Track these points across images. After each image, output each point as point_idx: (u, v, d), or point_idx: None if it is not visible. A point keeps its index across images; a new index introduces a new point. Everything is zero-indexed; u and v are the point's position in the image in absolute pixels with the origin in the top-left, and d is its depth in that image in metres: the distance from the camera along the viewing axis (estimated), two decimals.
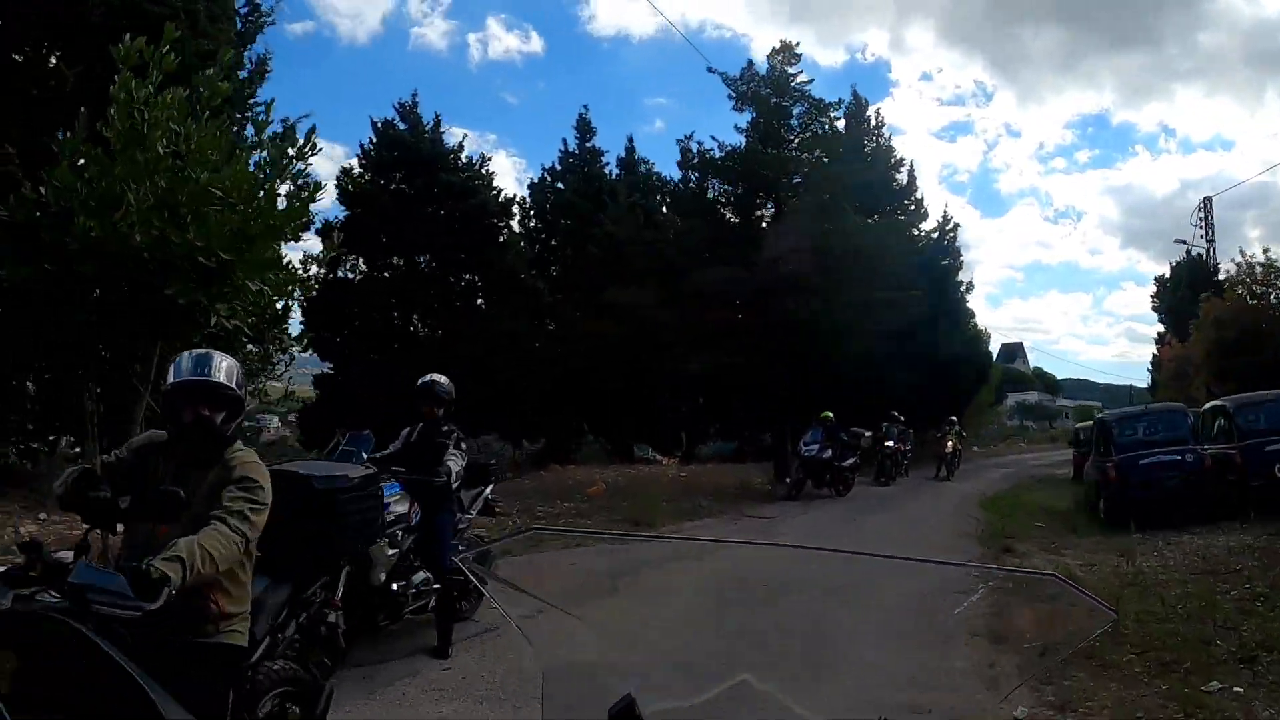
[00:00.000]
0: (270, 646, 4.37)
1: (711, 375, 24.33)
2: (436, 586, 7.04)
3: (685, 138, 27.04)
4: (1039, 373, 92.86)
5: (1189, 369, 33.94)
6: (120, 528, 3.81)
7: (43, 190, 8.22)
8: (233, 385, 3.67)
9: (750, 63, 27.66)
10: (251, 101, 14.47)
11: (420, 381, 7.40)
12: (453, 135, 32.18)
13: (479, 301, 31.80)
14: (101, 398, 10.03)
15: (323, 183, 9.85)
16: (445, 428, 7.32)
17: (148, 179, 8.02)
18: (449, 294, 31.18)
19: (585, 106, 37.78)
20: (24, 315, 8.87)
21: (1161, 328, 47.11)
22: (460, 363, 25.20)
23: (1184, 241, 47.16)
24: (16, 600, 2.83)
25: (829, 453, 19.84)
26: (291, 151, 8.97)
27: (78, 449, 10.99)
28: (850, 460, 20.92)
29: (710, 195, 26.99)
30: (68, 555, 3.13)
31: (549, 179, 35.52)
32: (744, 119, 26.12)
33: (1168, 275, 48.50)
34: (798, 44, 25.99)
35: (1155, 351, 47.42)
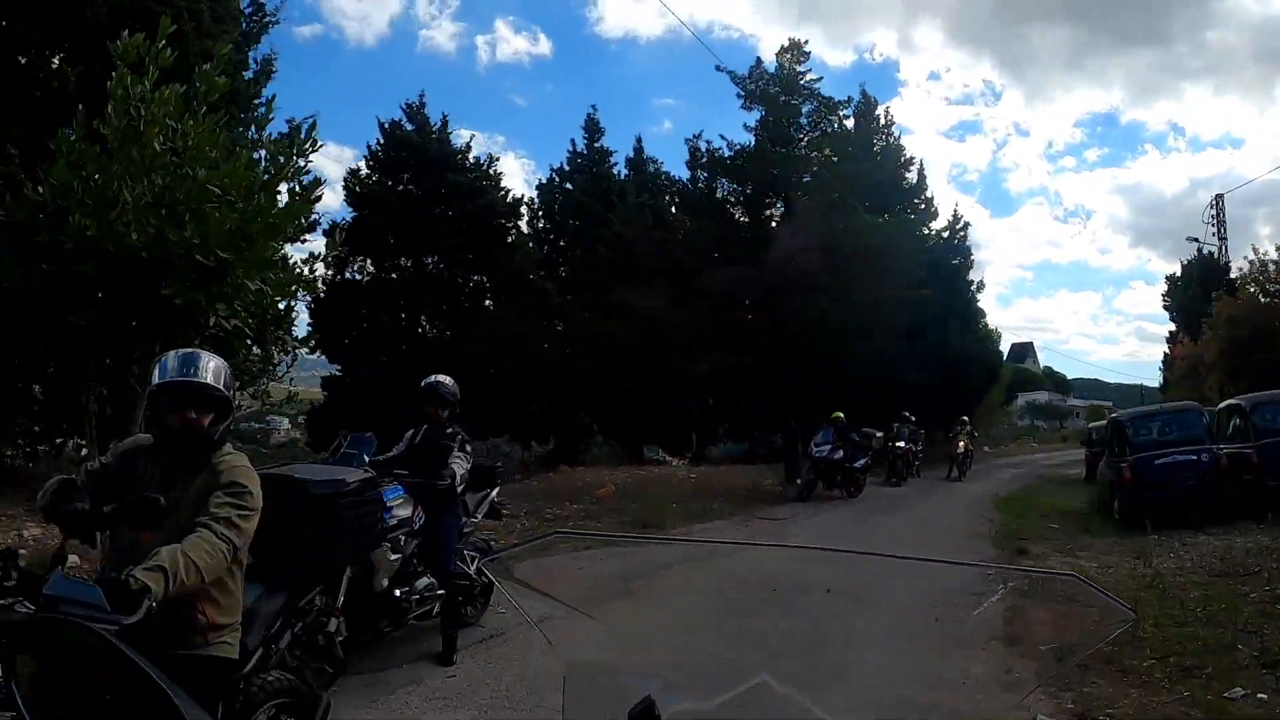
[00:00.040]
0: (264, 658, 4.26)
1: (721, 376, 24.18)
2: (441, 592, 6.89)
3: (694, 137, 27.06)
4: (1049, 372, 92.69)
5: (1201, 368, 33.71)
6: (101, 537, 3.70)
7: (40, 189, 8.14)
8: (220, 386, 3.54)
9: (759, 61, 27.52)
10: (256, 102, 14.42)
11: (424, 383, 7.29)
12: (460, 136, 32.03)
13: (487, 302, 31.76)
14: (104, 399, 9.95)
15: (323, 179, 9.77)
16: (450, 430, 7.18)
17: (145, 177, 7.94)
18: (457, 295, 31.13)
19: (593, 107, 37.64)
20: (23, 316, 8.78)
21: (1173, 326, 46.89)
22: (468, 364, 25.21)
23: (1196, 239, 47.01)
24: None
25: (840, 453, 19.69)
26: (293, 149, 8.90)
27: (84, 451, 10.91)
28: (861, 461, 20.76)
29: (719, 195, 26.90)
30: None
31: (557, 179, 35.46)
32: (752, 118, 26.02)
33: (1179, 274, 48.26)
34: (806, 42, 25.72)
35: (1167, 350, 47.17)
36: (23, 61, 12.73)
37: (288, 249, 9.78)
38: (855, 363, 24.08)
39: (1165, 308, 48.87)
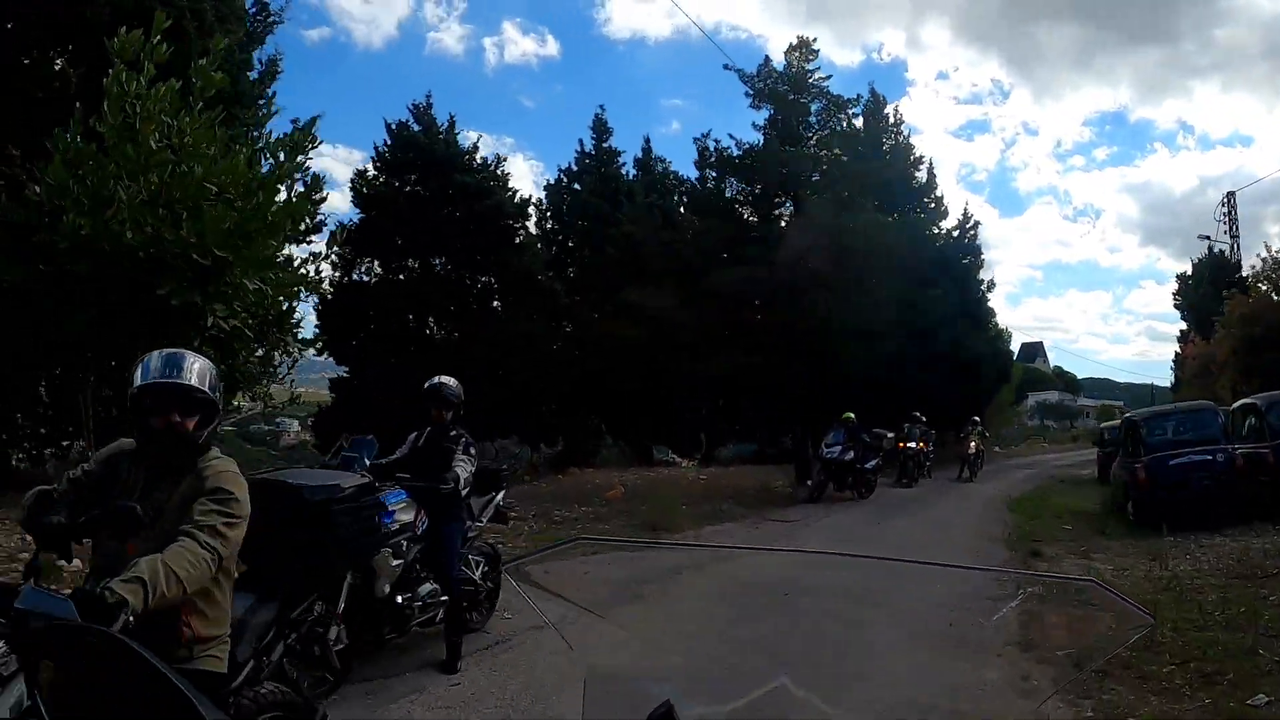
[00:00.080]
0: (255, 670, 4.13)
1: (730, 376, 24.07)
2: (444, 598, 6.75)
3: (702, 136, 26.99)
4: (1059, 372, 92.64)
5: (1213, 366, 33.52)
6: (81, 548, 3.58)
7: (37, 189, 8.08)
8: (206, 388, 3.40)
9: (767, 59, 27.42)
10: (260, 102, 14.37)
11: (428, 384, 7.16)
12: (467, 137, 32.07)
13: (495, 303, 31.69)
14: (107, 401, 9.86)
15: (322, 176, 9.69)
16: (454, 432, 7.04)
17: (141, 175, 7.85)
18: (465, 296, 31.06)
19: (601, 107, 37.71)
20: (23, 316, 8.72)
21: (1184, 325, 46.78)
22: (476, 365, 25.15)
23: (1207, 237, 46.83)
24: None
25: (851, 454, 19.54)
26: (292, 147, 8.81)
27: (91, 453, 10.80)
28: (873, 462, 20.63)
29: (728, 194, 26.81)
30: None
31: (565, 180, 35.44)
32: (761, 116, 26.05)
33: (1189, 272, 48.10)
34: (815, 40, 25.77)
35: (1178, 349, 47.00)
36: (27, 63, 12.69)
37: (292, 249, 9.72)
38: (865, 363, 23.90)
39: (1176, 306, 48.85)
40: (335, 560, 5.52)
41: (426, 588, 6.69)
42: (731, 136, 28.49)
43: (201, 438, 3.44)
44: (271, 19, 17.62)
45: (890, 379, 25.30)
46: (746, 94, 25.73)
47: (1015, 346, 55.30)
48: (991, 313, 36.73)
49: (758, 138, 25.97)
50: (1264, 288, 31.87)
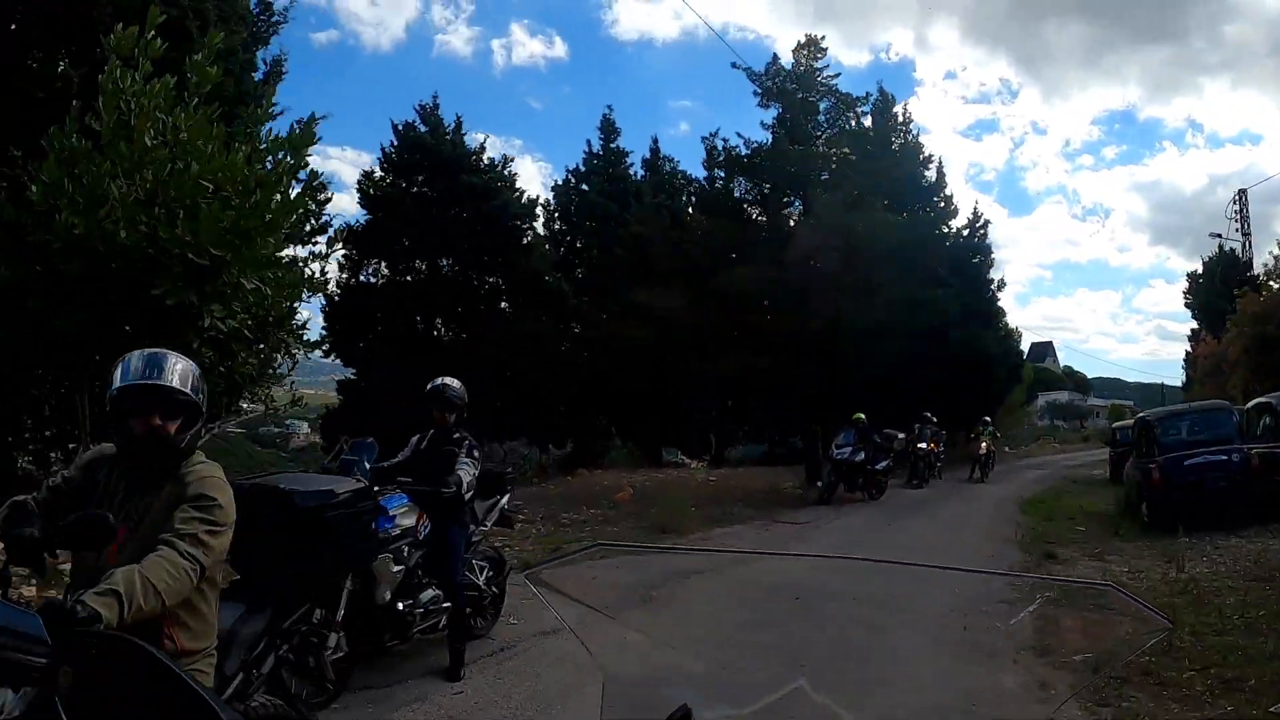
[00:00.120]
0: (244, 684, 4.01)
1: (739, 376, 23.96)
2: (447, 605, 6.63)
3: (710, 135, 26.88)
4: (1069, 371, 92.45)
5: (1225, 365, 33.34)
6: (53, 561, 3.45)
7: (33, 188, 7.99)
8: (188, 390, 3.24)
9: (775, 57, 27.39)
10: (261, 100, 14.29)
11: (430, 385, 7.02)
12: (474, 138, 32.06)
13: (503, 304, 31.65)
14: (103, 403, 9.76)
15: (320, 173, 9.60)
16: (457, 434, 6.90)
17: (136, 173, 7.76)
18: (472, 297, 31.00)
19: (609, 107, 37.41)
20: (21, 317, 8.63)
21: (1194, 324, 46.57)
22: (484, 366, 25.14)
23: (1219, 235, 46.53)
24: None
25: (862, 455, 19.44)
26: (290, 145, 8.73)
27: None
28: (883, 463, 20.53)
29: (736, 194, 26.73)
30: None
31: (573, 180, 35.39)
32: (769, 115, 25.94)
33: (1200, 271, 47.88)
34: (823, 38, 25.56)
35: (1189, 348, 46.82)
36: (33, 66, 12.63)
37: (296, 250, 9.63)
38: (875, 363, 23.79)
39: (1187, 305, 48.65)
40: (329, 567, 5.41)
41: (429, 594, 6.57)
42: (740, 135, 28.43)
43: (184, 441, 3.29)
44: (275, 19, 17.52)
45: (900, 379, 25.20)
46: (755, 93, 25.73)
47: (1025, 346, 55.12)
48: (1002, 312, 36.58)
49: (766, 137, 25.94)
50: (1276, 286, 31.68)
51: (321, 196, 10.28)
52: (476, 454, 6.83)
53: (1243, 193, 46.20)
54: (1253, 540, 11.83)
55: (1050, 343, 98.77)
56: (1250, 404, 16.94)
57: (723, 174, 27.01)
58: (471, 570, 7.22)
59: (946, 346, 26.36)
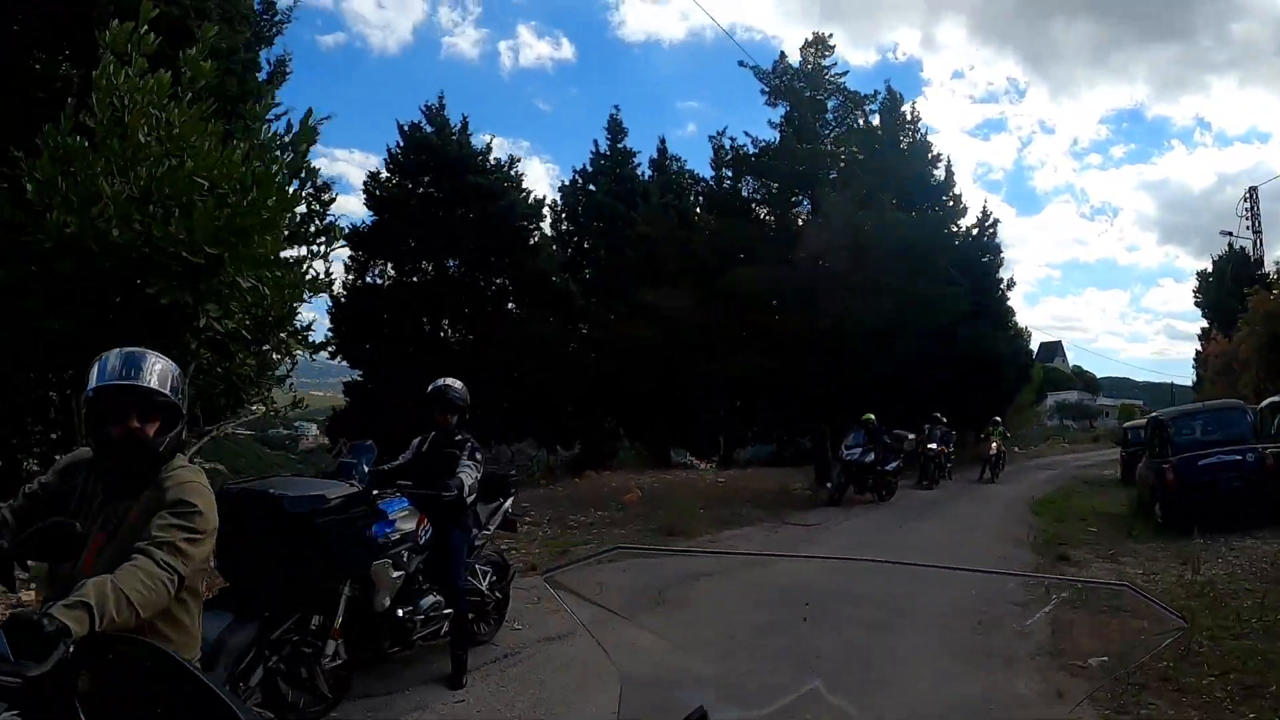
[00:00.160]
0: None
1: (748, 377, 23.90)
2: (448, 611, 6.51)
3: (718, 134, 26.89)
4: (1078, 371, 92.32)
5: (1236, 364, 33.13)
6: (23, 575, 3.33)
7: (29, 187, 7.90)
8: (167, 391, 3.10)
9: (782, 55, 27.33)
10: (260, 100, 14.25)
11: (431, 387, 6.90)
12: (481, 139, 31.99)
13: (510, 305, 31.56)
14: None
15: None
16: (459, 436, 6.77)
17: (130, 170, 7.66)
18: (479, 298, 30.95)
19: (616, 107, 37.42)
20: (18, 318, 8.55)
21: (1204, 323, 46.30)
22: (491, 367, 25.08)
23: (1229, 233, 46.26)
24: None
25: (871, 456, 19.33)
26: (288, 142, 8.64)
27: None
28: (893, 464, 20.42)
29: (744, 193, 26.64)
30: None
31: (580, 181, 35.34)
32: (777, 114, 25.89)
33: (1209, 269, 47.64)
34: (830, 36, 25.49)
35: (1198, 347, 46.56)
36: (34, 66, 12.58)
37: (300, 250, 9.52)
38: (884, 362, 23.69)
39: (1197, 304, 48.32)
40: (320, 574, 5.27)
41: (430, 600, 6.43)
42: (747, 135, 28.38)
43: (163, 445, 3.14)
44: (279, 19, 17.47)
45: (909, 378, 25.08)
46: (762, 91, 25.65)
47: (1034, 346, 54.99)
48: (1011, 312, 36.47)
49: (774, 136, 25.84)
50: None
51: (325, 197, 10.16)
52: (479, 456, 6.70)
53: (1253, 190, 45.99)
54: (1268, 541, 11.71)
55: (1059, 342, 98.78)
56: (1264, 403, 16.77)
57: (730, 173, 26.97)
58: (474, 575, 7.10)
59: (956, 346, 26.23)
